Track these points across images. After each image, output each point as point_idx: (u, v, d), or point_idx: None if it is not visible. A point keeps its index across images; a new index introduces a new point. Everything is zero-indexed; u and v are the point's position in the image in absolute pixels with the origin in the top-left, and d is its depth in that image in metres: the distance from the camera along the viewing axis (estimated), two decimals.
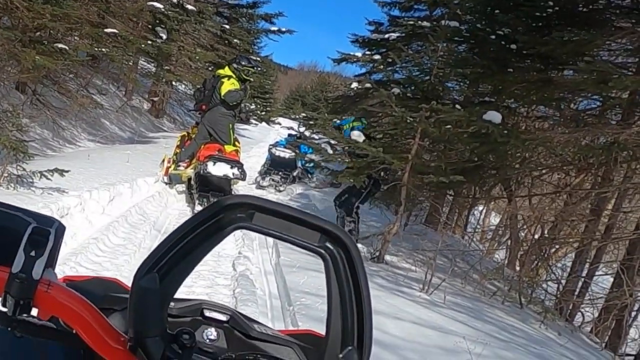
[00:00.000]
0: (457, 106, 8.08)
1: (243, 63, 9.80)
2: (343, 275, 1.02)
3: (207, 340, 1.33)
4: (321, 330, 1.15)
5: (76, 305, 1.01)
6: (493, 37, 8.86)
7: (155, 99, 21.48)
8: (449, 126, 8.12)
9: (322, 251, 1.03)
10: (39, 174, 6.82)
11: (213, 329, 1.34)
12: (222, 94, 9.42)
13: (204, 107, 9.47)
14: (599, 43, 8.09)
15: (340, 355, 1.03)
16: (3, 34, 8.37)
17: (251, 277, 6.11)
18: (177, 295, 1.07)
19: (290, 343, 1.38)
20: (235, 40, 23.29)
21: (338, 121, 11.22)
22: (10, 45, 9.15)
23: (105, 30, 13.23)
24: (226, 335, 1.35)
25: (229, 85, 9.45)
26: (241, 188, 10.89)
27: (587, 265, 9.55)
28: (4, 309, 0.98)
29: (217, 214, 1.01)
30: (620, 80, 7.07)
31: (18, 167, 6.85)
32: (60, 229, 1.05)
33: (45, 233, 1.00)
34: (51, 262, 1.01)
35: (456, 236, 13.40)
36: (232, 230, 1.03)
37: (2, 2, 8.91)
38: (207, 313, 1.36)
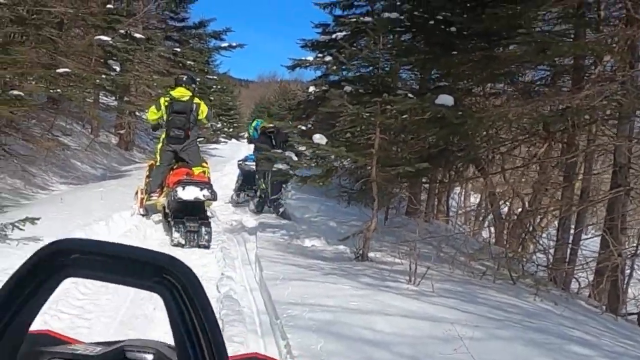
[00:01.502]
0: (409, 95, 8.10)
1: (195, 80, 9.84)
2: (184, 309, 0.93)
3: None
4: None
5: None
6: (432, 22, 8.93)
7: (122, 131, 21.38)
8: (405, 116, 8.14)
9: (159, 287, 0.94)
10: (10, 226, 6.74)
11: None
12: (204, 116, 9.43)
13: (189, 132, 9.35)
14: (531, 14, 8.13)
15: None
16: None
17: (235, 297, 6.05)
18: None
19: None
20: (189, 62, 23.20)
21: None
22: None
23: (58, 70, 13.10)
24: None
25: (205, 107, 9.48)
26: (217, 208, 10.85)
27: (572, 232, 9.56)
28: None
29: (37, 267, 0.93)
30: (558, 47, 7.16)
31: None
32: None
33: None
34: None
35: (439, 222, 13.41)
36: (62, 280, 0.95)
37: None
38: (130, 355, 1.25)
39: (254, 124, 13.00)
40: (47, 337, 1.39)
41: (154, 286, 0.94)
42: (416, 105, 7.68)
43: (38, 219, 6.87)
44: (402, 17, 9.63)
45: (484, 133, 9.28)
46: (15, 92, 10.24)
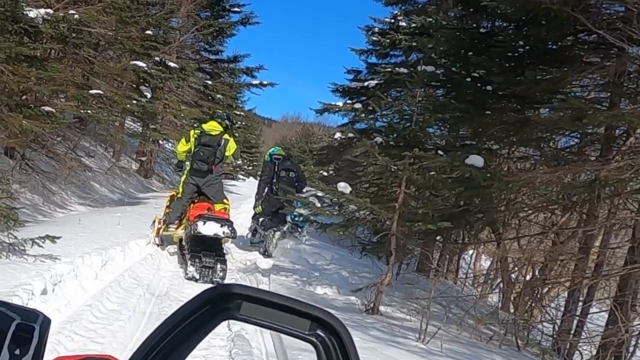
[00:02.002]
0: (440, 152, 8.13)
1: (230, 118, 9.90)
2: None
3: None
4: None
5: None
6: (469, 79, 8.93)
7: (143, 158, 21.51)
8: (432, 172, 8.15)
9: (314, 339, 0.98)
10: (30, 242, 6.77)
11: None
12: (231, 153, 9.49)
13: (213, 167, 9.39)
14: (571, 79, 8.18)
15: None
16: None
17: (247, 337, 6.04)
18: None
19: None
20: (218, 96, 23.39)
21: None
22: None
23: (90, 91, 13.27)
24: None
25: (234, 144, 9.56)
26: (232, 246, 10.85)
27: (580, 304, 9.47)
28: None
29: (204, 305, 0.97)
30: (594, 116, 7.13)
31: (9, 235, 6.81)
32: (45, 323, 1.01)
33: (29, 329, 0.97)
34: (37, 358, 0.97)
35: (449, 282, 13.32)
36: (220, 322, 0.98)
37: None
38: None
39: (270, 150, 13.05)
40: None
41: (310, 337, 0.98)
42: (446, 163, 7.68)
43: (59, 237, 6.90)
44: (438, 72, 9.69)
45: (507, 197, 9.24)
46: (47, 109, 10.37)
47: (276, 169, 11.45)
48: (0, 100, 9.04)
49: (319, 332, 0.98)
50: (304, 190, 11.72)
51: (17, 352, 0.94)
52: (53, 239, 6.79)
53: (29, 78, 9.69)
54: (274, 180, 11.46)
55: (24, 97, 10.72)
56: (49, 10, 9.85)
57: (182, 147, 9.62)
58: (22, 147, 11.85)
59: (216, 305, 0.97)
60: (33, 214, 10.56)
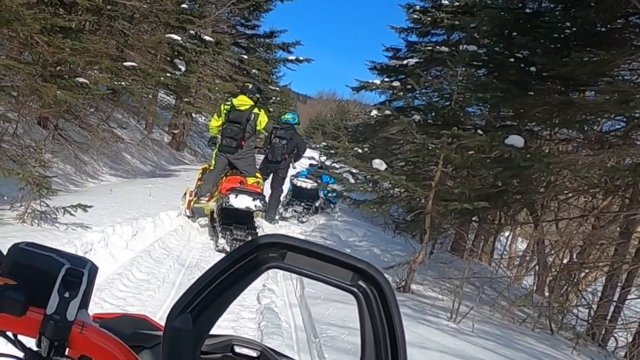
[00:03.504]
0: (479, 131, 8.10)
1: (260, 90, 9.93)
2: (377, 315, 1.03)
3: None
4: None
5: (110, 346, 1.04)
6: (512, 60, 8.84)
7: (176, 131, 21.64)
8: (471, 152, 8.13)
9: (355, 290, 1.04)
10: (62, 210, 6.93)
11: None
12: (263, 127, 9.54)
13: (243, 142, 9.46)
14: (619, 63, 8.05)
15: None
16: (24, 69, 8.50)
17: (276, 310, 6.14)
18: None
19: None
20: (253, 71, 23.44)
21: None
22: (32, 80, 9.30)
23: (125, 63, 13.39)
24: None
25: (265, 117, 9.57)
26: (264, 220, 10.94)
27: (618, 289, 9.41)
28: (39, 350, 1.00)
29: (250, 253, 1.02)
30: None
31: (42, 203, 6.96)
32: (93, 270, 1.08)
33: (79, 274, 1.03)
34: (84, 303, 1.04)
35: (483, 263, 13.32)
36: (265, 270, 1.04)
37: (23, 37, 9.07)
38: (238, 349, 1.35)
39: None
40: (145, 322, 1.48)
41: (351, 288, 1.04)
42: (484, 142, 7.66)
43: (90, 206, 7.06)
44: (480, 51, 9.63)
45: (547, 179, 9.18)
46: (81, 80, 10.50)
47: (272, 137, 11.48)
48: (34, 71, 9.16)
49: (360, 283, 1.04)
50: (303, 156, 11.97)
51: (67, 295, 1.00)
52: (85, 207, 6.95)
53: (64, 49, 9.82)
54: (268, 147, 11.52)
55: (58, 68, 10.85)
56: None
57: (215, 122, 9.70)
58: (55, 117, 12.05)
59: (262, 254, 1.04)
60: (65, 184, 10.74)
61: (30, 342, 1.04)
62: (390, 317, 1.02)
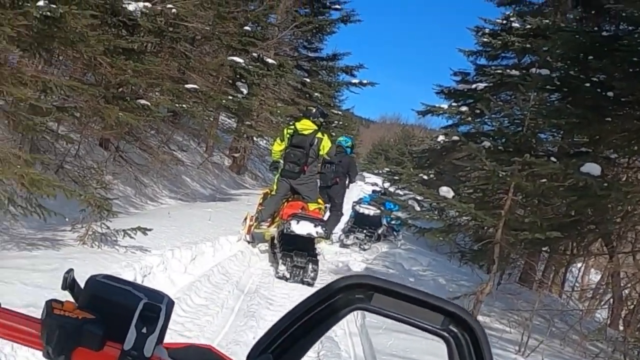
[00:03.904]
0: (552, 158, 7.94)
1: (324, 114, 9.93)
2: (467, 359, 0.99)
3: None
4: None
5: None
6: (587, 84, 8.69)
7: (236, 155, 21.86)
8: (543, 180, 7.98)
9: (446, 334, 1.00)
10: (122, 232, 7.02)
11: None
12: (326, 151, 9.52)
13: (305, 167, 9.44)
14: None
15: None
16: (88, 90, 8.70)
17: (336, 339, 6.08)
18: None
19: None
20: (315, 94, 23.61)
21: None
22: (94, 101, 9.51)
23: (186, 85, 13.61)
24: None
25: (329, 142, 9.56)
26: (325, 246, 10.91)
27: None
28: None
29: (336, 294, 1.00)
30: None
31: (102, 225, 7.06)
32: (170, 305, 1.05)
33: (156, 309, 1.01)
34: (161, 339, 1.01)
35: (553, 295, 13.05)
36: (350, 312, 1.02)
37: (86, 58, 9.28)
38: None
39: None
40: (212, 352, 1.46)
41: (442, 332, 1.00)
42: (558, 170, 7.50)
43: (150, 229, 7.12)
44: (553, 75, 9.47)
45: (624, 208, 8.94)
46: (143, 102, 10.70)
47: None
48: (97, 92, 9.37)
49: (451, 327, 0.99)
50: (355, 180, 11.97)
51: (144, 330, 0.98)
52: (144, 230, 7.02)
53: (126, 71, 10.04)
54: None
55: (120, 90, 11.10)
56: (147, 4, 10.17)
57: (277, 146, 9.75)
58: (116, 139, 12.31)
59: (348, 294, 1.00)
60: (125, 206, 10.91)
61: None
62: None
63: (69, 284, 1.04)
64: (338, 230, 12.87)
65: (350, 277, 1.02)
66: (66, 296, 1.03)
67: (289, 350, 1.00)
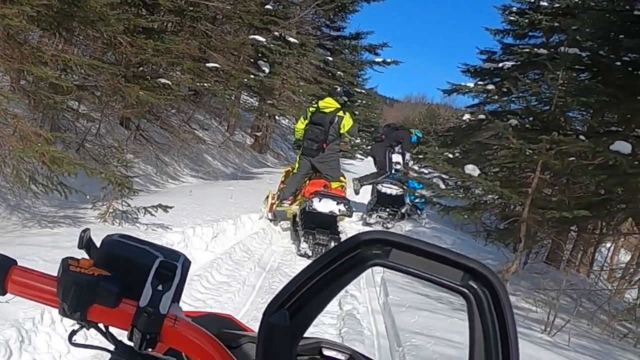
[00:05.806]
0: (581, 137, 7.86)
1: (350, 92, 9.91)
2: (488, 317, 0.97)
3: None
4: None
5: (202, 341, 1.02)
6: (618, 63, 8.59)
7: (258, 133, 21.92)
8: (572, 158, 7.90)
9: (466, 291, 0.99)
10: (143, 210, 7.10)
11: None
12: (347, 130, 9.51)
13: (324, 145, 9.47)
14: None
15: None
16: (108, 69, 8.74)
17: (358, 317, 6.09)
18: None
19: None
20: (338, 73, 23.52)
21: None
22: (115, 80, 9.56)
23: (207, 64, 13.61)
24: None
25: (350, 120, 9.54)
26: (347, 224, 10.89)
27: None
28: (130, 343, 1.01)
29: (353, 249, 0.99)
30: None
31: (123, 203, 7.13)
32: (186, 264, 1.07)
33: (172, 267, 1.03)
34: (177, 297, 1.03)
35: (581, 275, 12.99)
36: (368, 267, 1.01)
37: (106, 37, 9.31)
38: (326, 352, 1.34)
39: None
40: (231, 321, 1.48)
41: (461, 288, 0.99)
42: (587, 148, 7.42)
43: (171, 207, 7.21)
44: (582, 54, 9.36)
45: None
46: (163, 81, 10.73)
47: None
48: (118, 71, 9.41)
49: (471, 283, 0.98)
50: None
51: (160, 287, 1.00)
52: (165, 208, 7.10)
53: (146, 50, 10.09)
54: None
55: (140, 69, 11.16)
56: None
57: (300, 124, 9.76)
58: (137, 117, 12.39)
59: (366, 250, 0.99)
60: (146, 184, 11.00)
61: (120, 335, 1.05)
62: (503, 320, 0.96)
63: (85, 243, 1.07)
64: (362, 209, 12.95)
65: (369, 233, 1.01)
66: (83, 255, 1.06)
67: (305, 306, 1.01)
